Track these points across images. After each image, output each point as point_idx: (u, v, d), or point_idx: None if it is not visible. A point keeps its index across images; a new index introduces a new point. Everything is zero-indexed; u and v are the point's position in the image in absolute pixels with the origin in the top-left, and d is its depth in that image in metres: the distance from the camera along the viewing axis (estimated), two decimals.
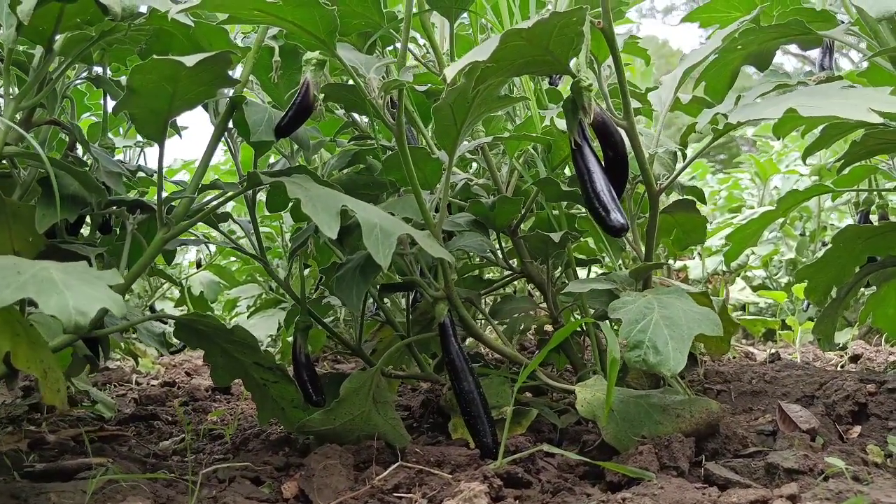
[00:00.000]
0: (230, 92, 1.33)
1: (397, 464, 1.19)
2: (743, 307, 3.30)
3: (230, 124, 1.37)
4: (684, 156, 1.49)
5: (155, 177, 1.33)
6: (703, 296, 1.67)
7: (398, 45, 1.33)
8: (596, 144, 1.17)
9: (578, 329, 1.75)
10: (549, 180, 1.43)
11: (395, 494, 1.11)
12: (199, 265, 3.67)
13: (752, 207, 3.26)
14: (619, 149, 1.14)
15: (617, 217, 1.09)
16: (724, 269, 3.01)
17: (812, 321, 3.50)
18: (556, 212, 1.59)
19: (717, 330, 1.20)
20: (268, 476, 1.27)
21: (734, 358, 2.47)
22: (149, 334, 1.71)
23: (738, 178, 3.72)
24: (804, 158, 1.99)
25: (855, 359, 2.57)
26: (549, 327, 1.69)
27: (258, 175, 1.18)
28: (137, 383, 2.90)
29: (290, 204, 1.65)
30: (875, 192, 2.09)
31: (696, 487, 1.02)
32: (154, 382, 2.87)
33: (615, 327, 1.33)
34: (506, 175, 1.64)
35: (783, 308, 3.12)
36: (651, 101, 1.38)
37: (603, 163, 1.15)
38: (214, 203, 1.26)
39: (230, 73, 1.31)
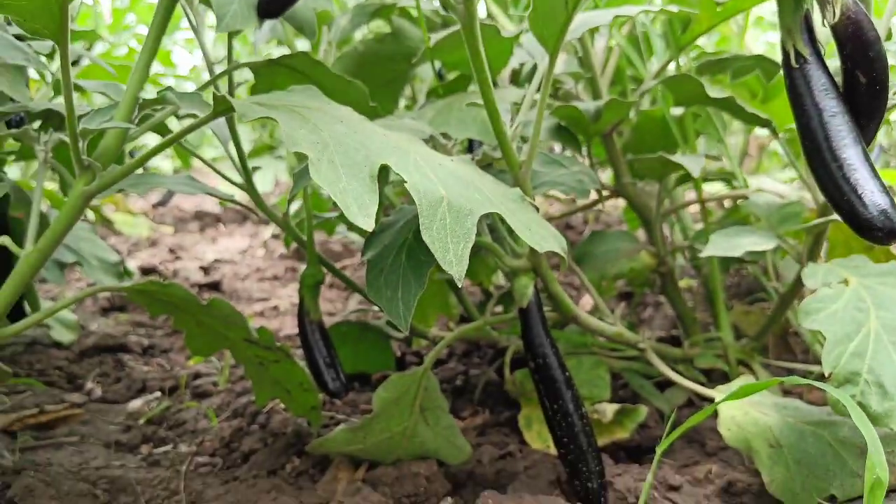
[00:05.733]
0: None
1: None
2: None
3: None
4: None
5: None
6: (883, 255, 1.20)
7: None
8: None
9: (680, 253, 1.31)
10: (686, 78, 0.93)
11: None
12: None
13: None
14: (878, 70, 0.63)
15: (876, 201, 0.60)
16: None
17: None
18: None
19: None
20: None
21: None
22: (100, 266, 1.27)
23: None
24: None
25: None
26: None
27: (227, 101, 0.67)
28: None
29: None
30: None
31: None
32: (132, 264, 2.43)
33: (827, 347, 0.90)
34: (601, 53, 1.12)
35: None
36: None
37: (843, 92, 0.64)
38: (158, 146, 0.76)
39: None
